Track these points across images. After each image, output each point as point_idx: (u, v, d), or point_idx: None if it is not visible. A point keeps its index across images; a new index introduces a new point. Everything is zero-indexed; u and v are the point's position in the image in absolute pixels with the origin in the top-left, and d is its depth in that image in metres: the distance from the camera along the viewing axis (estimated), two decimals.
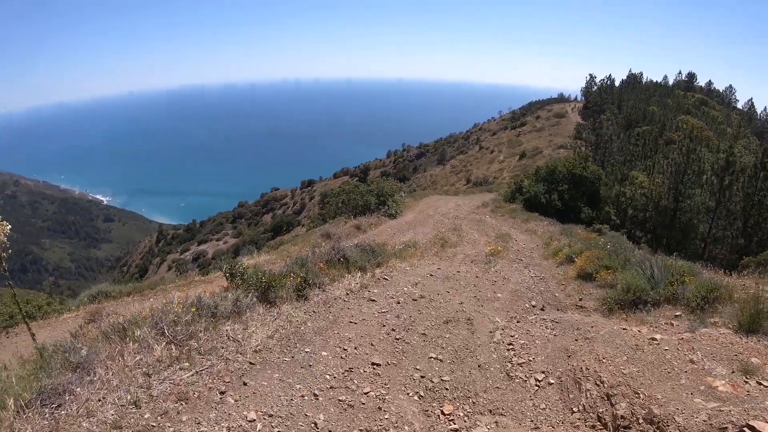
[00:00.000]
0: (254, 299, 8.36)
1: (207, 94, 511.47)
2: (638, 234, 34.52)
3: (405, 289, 10.96)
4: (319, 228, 30.25)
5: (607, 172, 37.71)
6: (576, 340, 8.13)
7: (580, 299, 12.59)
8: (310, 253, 12.42)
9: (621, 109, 67.45)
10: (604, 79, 76.26)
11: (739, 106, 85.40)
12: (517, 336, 8.59)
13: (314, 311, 8.79)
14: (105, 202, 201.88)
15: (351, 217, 29.77)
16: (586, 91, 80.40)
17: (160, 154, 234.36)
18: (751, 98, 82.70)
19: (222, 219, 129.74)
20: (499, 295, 12.28)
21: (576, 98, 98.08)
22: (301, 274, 9.60)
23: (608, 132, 43.78)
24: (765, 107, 79.18)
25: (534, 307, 12.06)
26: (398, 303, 9.90)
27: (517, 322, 10.21)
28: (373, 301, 9.94)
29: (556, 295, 13.11)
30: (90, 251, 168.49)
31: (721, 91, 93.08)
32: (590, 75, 76.69)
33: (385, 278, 11.61)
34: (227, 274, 9.47)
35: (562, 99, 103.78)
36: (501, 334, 8.71)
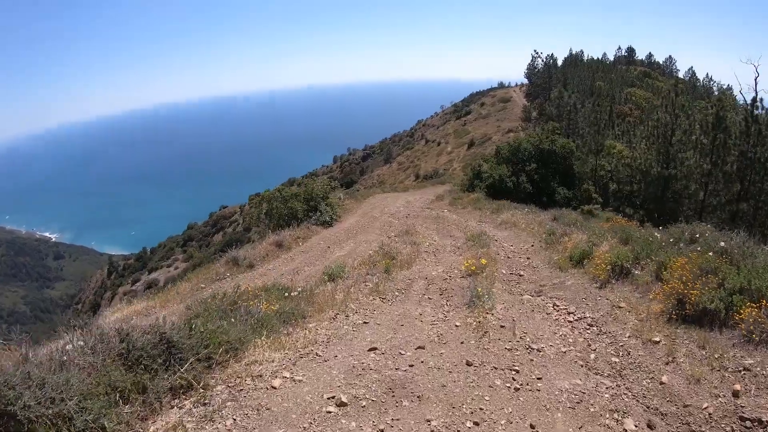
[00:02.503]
0: None
1: (148, 118, 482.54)
2: (628, 211, 27.23)
3: None
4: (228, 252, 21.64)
5: (577, 144, 30.33)
6: None
7: (737, 393, 4.49)
8: None
9: (567, 87, 61.01)
10: (547, 58, 70.03)
11: (681, 75, 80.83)
12: None
13: None
14: (53, 239, 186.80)
15: (272, 232, 21.43)
16: (530, 71, 73.82)
17: (105, 184, 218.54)
18: (692, 66, 77.88)
19: (172, 244, 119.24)
20: None
21: (516, 84, 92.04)
22: None
23: (570, 101, 36.71)
24: (707, 73, 74.15)
25: None
26: None
27: None
28: None
29: (663, 381, 4.97)
30: (44, 292, 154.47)
31: (661, 62, 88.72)
32: (535, 51, 70.49)
33: None
34: None
35: (502, 87, 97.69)
36: None
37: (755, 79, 30.36)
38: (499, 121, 67.26)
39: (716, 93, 69.45)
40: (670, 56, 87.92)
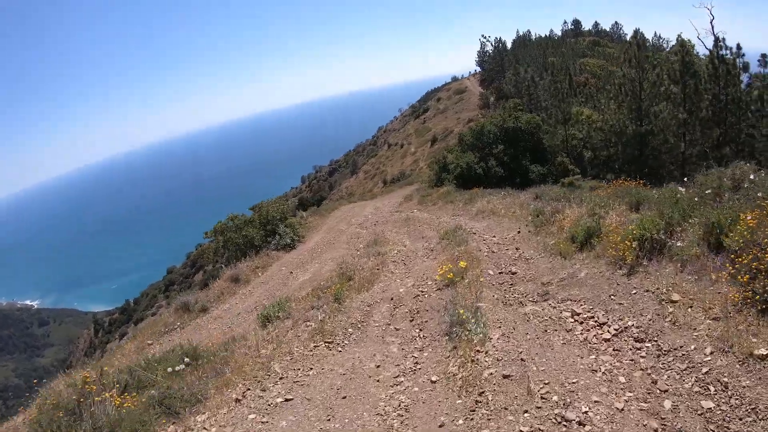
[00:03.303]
0: None
1: (111, 167, 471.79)
2: (609, 177, 25.25)
3: None
4: (177, 298, 18.90)
5: (543, 118, 28.24)
6: None
7: None
8: None
9: (521, 65, 59.44)
10: (496, 41, 68.15)
11: (629, 38, 79.60)
12: None
13: None
14: (35, 306, 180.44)
15: (231, 264, 18.79)
16: (481, 58, 71.99)
17: (79, 240, 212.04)
18: (638, 28, 76.97)
19: (154, 291, 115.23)
20: None
21: (470, 74, 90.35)
22: None
23: (528, 75, 34.63)
24: (655, 32, 73.13)
25: None
26: None
27: None
28: None
29: None
30: (34, 361, 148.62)
31: (608, 30, 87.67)
32: (483, 36, 68.86)
33: None
34: None
35: (456, 80, 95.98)
36: None
37: (711, 22, 28.90)
38: (458, 113, 65.31)
39: (667, 49, 68.65)
40: (616, 22, 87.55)
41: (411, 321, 6.22)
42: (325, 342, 5.88)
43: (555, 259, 7.51)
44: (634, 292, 5.10)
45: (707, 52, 25.82)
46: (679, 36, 31.30)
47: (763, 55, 26.91)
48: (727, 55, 25.15)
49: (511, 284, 6.91)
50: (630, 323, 4.51)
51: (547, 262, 7.60)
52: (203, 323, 11.99)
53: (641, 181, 11.82)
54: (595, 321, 4.72)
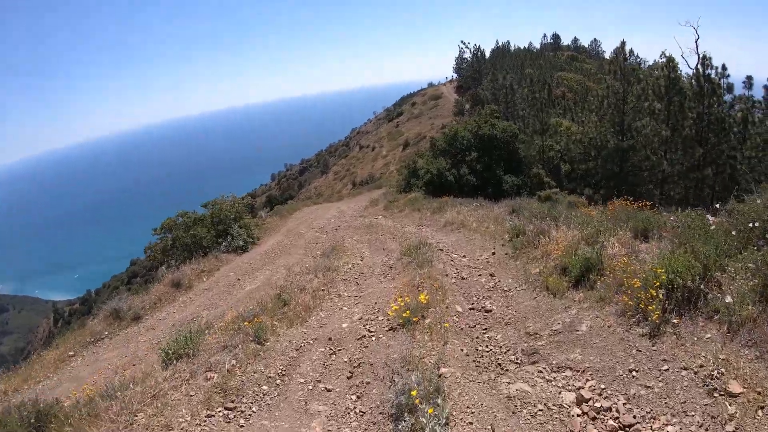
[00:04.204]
0: None
1: (71, 157, 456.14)
2: (587, 192, 24.07)
3: None
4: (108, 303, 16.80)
5: (519, 127, 26.98)
6: None
7: None
8: None
9: (498, 73, 58.79)
10: (474, 49, 67.09)
11: (607, 56, 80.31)
12: None
13: None
14: None
15: (175, 267, 16.79)
16: (458, 64, 70.85)
17: (43, 228, 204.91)
18: (623, 40, 77.44)
19: (117, 282, 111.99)
20: None
21: (447, 79, 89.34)
22: None
23: (506, 83, 33.27)
24: (630, 49, 73.36)
25: None
26: None
27: None
28: None
29: None
30: None
31: (587, 46, 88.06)
32: (461, 42, 67.75)
33: None
34: None
35: (432, 86, 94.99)
36: None
37: (696, 42, 28.33)
38: (432, 119, 64.27)
39: (645, 68, 68.92)
40: (594, 39, 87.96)
41: (349, 378, 4.56)
42: (225, 408, 4.18)
43: (541, 295, 5.94)
44: (666, 368, 3.50)
45: (690, 72, 25.06)
46: (664, 52, 30.54)
47: (749, 77, 26.31)
48: (711, 74, 24.50)
49: (485, 329, 5.31)
50: (670, 429, 2.90)
51: (530, 297, 6.04)
52: (133, 334, 10.39)
53: (646, 202, 10.29)
54: (615, 418, 3.10)
